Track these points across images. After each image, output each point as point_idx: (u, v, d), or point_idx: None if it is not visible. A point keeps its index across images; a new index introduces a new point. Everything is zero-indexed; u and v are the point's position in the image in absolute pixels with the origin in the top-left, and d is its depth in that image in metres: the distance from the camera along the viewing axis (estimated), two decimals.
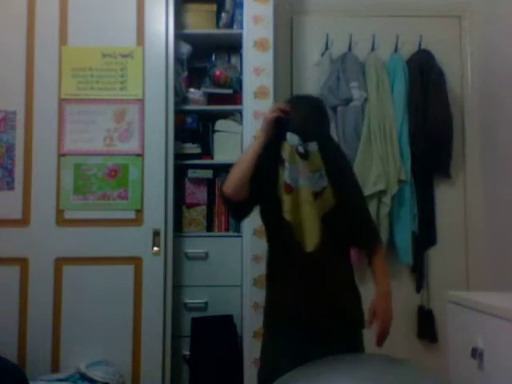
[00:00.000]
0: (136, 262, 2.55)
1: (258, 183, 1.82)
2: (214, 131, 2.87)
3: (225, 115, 2.88)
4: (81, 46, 2.63)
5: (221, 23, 2.89)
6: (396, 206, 2.88)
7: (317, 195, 1.80)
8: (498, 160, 2.90)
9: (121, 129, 2.60)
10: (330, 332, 1.80)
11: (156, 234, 2.56)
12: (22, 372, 2.26)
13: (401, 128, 2.92)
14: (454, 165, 3.03)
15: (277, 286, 1.89)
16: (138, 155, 2.59)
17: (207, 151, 2.87)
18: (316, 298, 1.80)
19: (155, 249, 2.56)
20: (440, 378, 1.38)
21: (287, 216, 1.80)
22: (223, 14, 2.88)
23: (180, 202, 2.81)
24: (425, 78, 2.97)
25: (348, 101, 2.91)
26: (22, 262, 2.53)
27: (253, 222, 2.46)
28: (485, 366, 1.77)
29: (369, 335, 1.86)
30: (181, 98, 2.81)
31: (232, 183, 1.80)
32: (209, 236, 2.76)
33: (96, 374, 2.34)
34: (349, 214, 1.86)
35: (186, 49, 2.81)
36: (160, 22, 2.64)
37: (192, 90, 2.88)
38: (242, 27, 2.78)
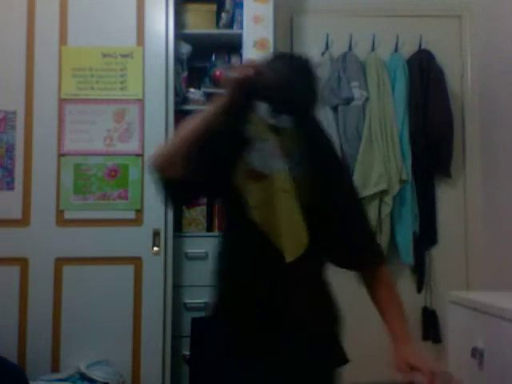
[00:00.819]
0: (136, 262, 2.55)
1: (208, 164, 1.37)
2: None
3: None
4: (81, 45, 2.63)
5: (221, 23, 2.89)
6: (397, 205, 2.88)
7: (297, 183, 1.36)
8: (497, 160, 2.90)
9: (121, 129, 2.60)
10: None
11: (156, 234, 2.56)
12: (22, 372, 2.26)
13: (402, 128, 2.92)
14: (454, 165, 3.03)
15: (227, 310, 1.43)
16: (138, 155, 2.59)
17: None
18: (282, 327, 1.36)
19: (155, 249, 2.56)
20: None
21: (255, 215, 1.35)
22: (223, 14, 2.88)
23: None
24: (425, 77, 2.97)
25: (349, 100, 2.91)
26: (22, 262, 2.53)
27: None
28: (485, 366, 1.77)
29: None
30: (181, 98, 2.81)
31: (165, 153, 1.38)
32: (209, 236, 2.75)
33: (96, 374, 2.34)
34: (338, 221, 1.40)
35: (186, 49, 2.81)
36: (160, 22, 2.64)
37: (192, 89, 2.87)
38: (242, 27, 2.78)
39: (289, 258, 1.33)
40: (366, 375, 2.73)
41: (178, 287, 2.67)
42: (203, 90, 2.88)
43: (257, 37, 2.73)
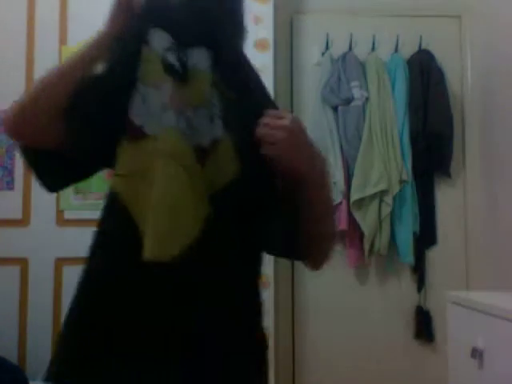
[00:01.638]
0: None
1: (88, 127, 0.96)
2: None
3: None
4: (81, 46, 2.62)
5: None
6: (397, 205, 2.88)
7: (202, 154, 0.94)
8: (497, 160, 2.89)
9: None
10: None
11: None
12: (22, 372, 2.26)
13: (402, 128, 2.92)
14: (454, 165, 3.03)
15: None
16: None
17: None
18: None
19: None
20: None
21: (119, 189, 0.97)
22: None
23: None
24: (425, 77, 2.97)
25: (349, 100, 2.91)
26: (22, 262, 2.53)
27: None
28: (485, 366, 1.77)
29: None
30: None
31: (26, 110, 0.98)
32: None
33: None
34: (271, 201, 1.00)
35: None
36: None
37: None
38: None
39: (149, 254, 0.89)
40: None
41: None
42: None
43: (257, 37, 2.73)
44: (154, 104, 0.95)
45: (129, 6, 0.99)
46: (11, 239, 2.54)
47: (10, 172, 2.56)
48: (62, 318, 2.62)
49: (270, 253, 1.10)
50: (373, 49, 3.04)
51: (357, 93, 2.91)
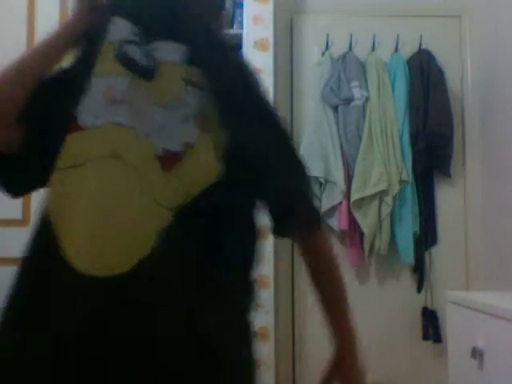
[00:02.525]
0: None
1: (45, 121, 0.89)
2: None
3: None
4: None
5: None
6: (397, 206, 2.88)
7: (170, 159, 0.83)
8: (498, 160, 2.90)
9: None
10: None
11: None
12: None
13: (402, 128, 2.92)
14: (454, 164, 3.03)
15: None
16: None
17: None
18: None
19: None
20: None
21: (48, 195, 0.88)
22: None
23: None
24: (425, 77, 2.97)
25: (349, 100, 2.91)
26: None
27: None
28: (485, 366, 1.77)
29: None
30: None
31: None
32: None
33: None
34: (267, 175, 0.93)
35: None
36: None
37: None
38: (242, 27, 2.78)
39: (80, 266, 0.77)
40: None
41: None
42: None
43: (257, 37, 2.73)
44: (99, 97, 0.84)
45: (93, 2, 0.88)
46: (11, 239, 2.54)
47: None
48: None
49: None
50: (373, 49, 3.04)
51: (357, 93, 2.91)
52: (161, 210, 0.80)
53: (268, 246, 2.57)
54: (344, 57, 3.00)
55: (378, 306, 2.94)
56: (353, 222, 2.83)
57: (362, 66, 2.99)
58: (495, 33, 2.95)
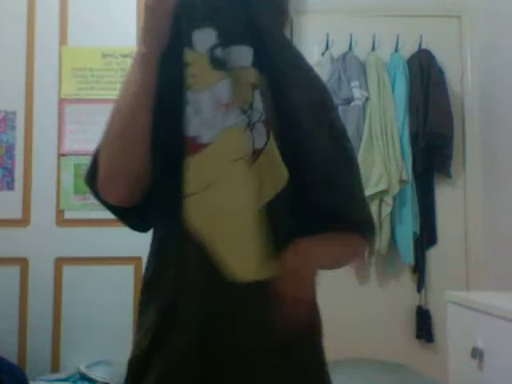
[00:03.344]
0: (136, 261, 2.55)
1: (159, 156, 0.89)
2: None
3: None
4: (81, 46, 2.63)
5: None
6: (397, 206, 2.88)
7: (256, 156, 0.85)
8: (498, 160, 2.90)
9: None
10: None
11: None
12: (22, 372, 2.26)
13: (402, 128, 2.92)
14: (454, 165, 3.03)
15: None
16: None
17: None
18: None
19: None
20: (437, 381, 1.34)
21: (188, 211, 0.82)
22: None
23: None
24: (425, 77, 2.97)
25: (349, 100, 2.91)
26: (22, 262, 2.53)
27: None
28: (485, 366, 1.77)
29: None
30: None
31: (106, 166, 0.89)
32: None
33: (96, 374, 2.34)
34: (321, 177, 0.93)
35: None
36: None
37: None
38: None
39: (242, 275, 0.81)
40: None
41: None
42: None
43: None
44: (209, 107, 0.83)
45: (165, 4, 0.82)
46: (11, 239, 2.54)
47: (10, 172, 2.56)
48: (62, 318, 2.62)
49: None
50: (373, 49, 3.04)
51: (357, 93, 2.91)
52: (256, 210, 0.83)
53: None
54: (344, 57, 3.00)
55: (378, 305, 2.94)
56: None
57: (362, 66, 2.99)
58: (495, 33, 2.94)
